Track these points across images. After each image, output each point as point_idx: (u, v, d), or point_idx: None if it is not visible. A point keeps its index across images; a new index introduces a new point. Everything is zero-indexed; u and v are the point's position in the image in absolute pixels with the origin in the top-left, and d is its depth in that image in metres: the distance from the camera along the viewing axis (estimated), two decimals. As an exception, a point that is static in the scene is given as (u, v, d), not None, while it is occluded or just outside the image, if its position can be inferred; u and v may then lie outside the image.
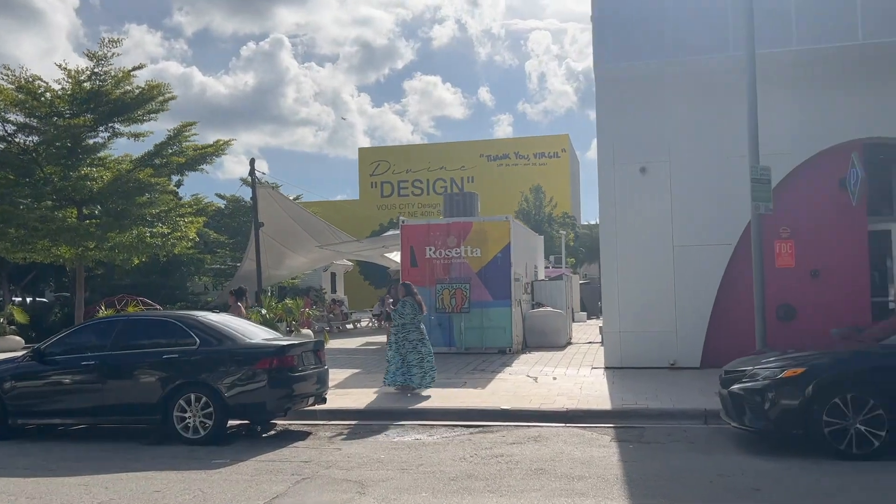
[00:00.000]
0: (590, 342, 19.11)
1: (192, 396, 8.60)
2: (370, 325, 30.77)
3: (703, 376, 12.04)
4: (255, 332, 9.53)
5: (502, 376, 12.76)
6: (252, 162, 24.40)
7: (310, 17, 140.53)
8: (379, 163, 64.82)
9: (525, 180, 55.21)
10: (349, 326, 30.05)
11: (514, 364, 14.47)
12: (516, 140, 65.83)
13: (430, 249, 16.97)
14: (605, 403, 10.02)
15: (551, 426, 9.15)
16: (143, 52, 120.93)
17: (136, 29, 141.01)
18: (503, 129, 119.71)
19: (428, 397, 10.87)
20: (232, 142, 19.71)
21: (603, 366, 13.55)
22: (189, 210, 19.82)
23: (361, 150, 67.56)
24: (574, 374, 12.80)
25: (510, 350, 16.37)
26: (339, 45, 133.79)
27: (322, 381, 9.63)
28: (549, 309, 18.46)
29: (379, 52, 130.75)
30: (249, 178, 24.71)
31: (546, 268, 28.09)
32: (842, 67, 12.68)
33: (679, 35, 13.12)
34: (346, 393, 11.51)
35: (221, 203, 37.71)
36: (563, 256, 36.66)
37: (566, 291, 19.95)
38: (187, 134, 18.65)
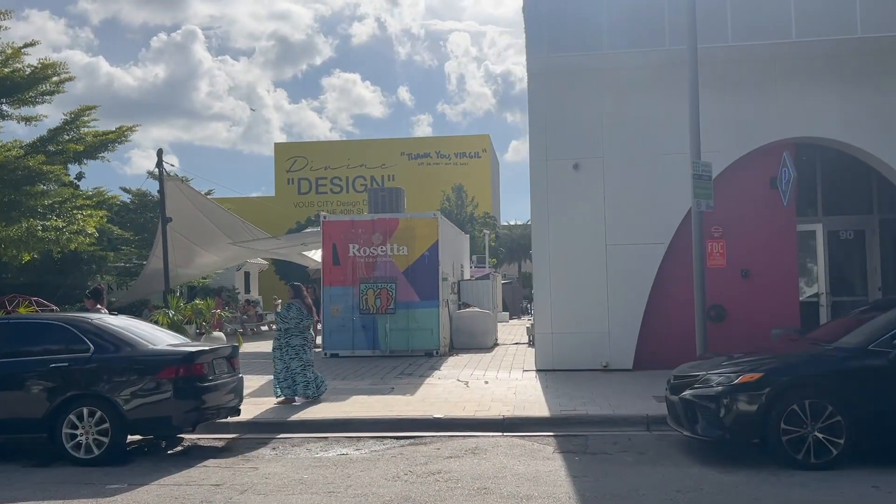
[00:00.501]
0: (516, 343, 18.69)
1: (85, 411, 7.51)
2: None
3: (637, 379, 11.74)
4: (160, 338, 8.47)
5: (431, 381, 12.07)
6: (160, 153, 22.77)
7: (225, 10, 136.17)
8: (296, 159, 63.07)
9: (446, 180, 54.84)
10: (264, 328, 28.67)
11: (442, 367, 13.81)
12: (438, 139, 65.41)
13: (354, 247, 16.11)
14: (542, 409, 9.48)
15: (489, 436, 8.52)
16: (45, 40, 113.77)
17: (38, 15, 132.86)
18: (423, 129, 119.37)
19: (339, 403, 10.06)
20: (136, 128, 18.19)
21: (535, 368, 13.07)
22: (87, 202, 18.10)
23: (278, 145, 65.59)
24: (506, 378, 12.25)
25: (437, 352, 15.71)
26: (255, 40, 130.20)
27: (236, 391, 8.67)
28: (476, 309, 17.92)
29: (296, 48, 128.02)
30: (157, 171, 23.10)
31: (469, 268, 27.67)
32: (775, 65, 12.64)
33: (614, 27, 12.78)
34: (262, 402, 10.55)
35: (126, 198, 35.48)
36: (487, 256, 36.37)
37: (492, 291, 19.46)
38: (86, 119, 17.01)
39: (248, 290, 44.27)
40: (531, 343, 17.75)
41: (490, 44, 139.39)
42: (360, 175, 61.06)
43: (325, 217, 16.42)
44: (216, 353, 8.34)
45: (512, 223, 64.92)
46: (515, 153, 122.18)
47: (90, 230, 16.85)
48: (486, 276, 21.57)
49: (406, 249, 15.96)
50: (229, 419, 8.78)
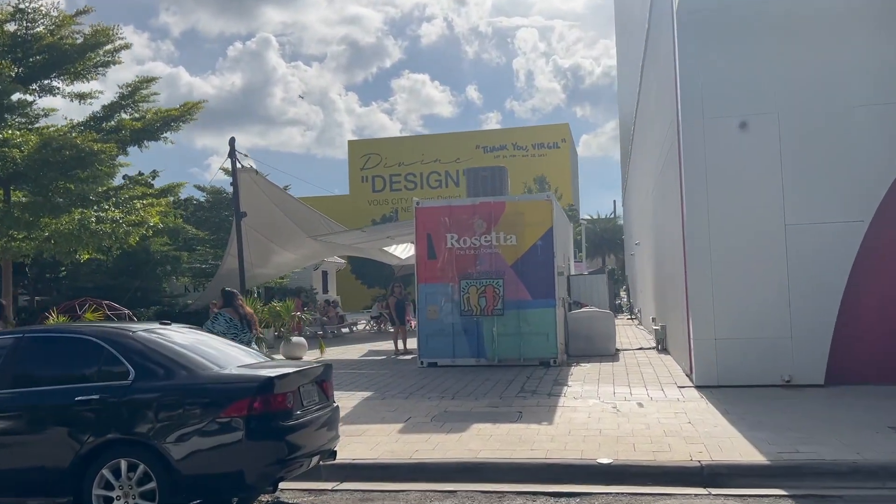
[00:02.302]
0: (640, 348, 15.89)
1: (123, 463, 5.28)
2: (368, 328, 27.44)
3: (842, 399, 8.90)
4: (230, 357, 6.18)
5: (567, 402, 9.50)
6: (232, 142, 20.94)
7: (297, 17, 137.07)
8: (370, 156, 61.54)
9: (524, 172, 52.08)
10: (345, 331, 26.70)
11: (570, 382, 11.21)
12: (514, 130, 62.67)
13: (453, 237, 13.68)
14: (748, 451, 6.77)
15: (689, 494, 5.92)
16: (131, 54, 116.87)
17: (124, 30, 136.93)
18: (492, 127, 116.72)
19: (458, 434, 7.60)
20: (202, 105, 16.17)
21: (693, 383, 10.33)
22: (148, 190, 16.11)
23: (351, 142, 64.11)
24: (662, 398, 9.56)
25: (555, 361, 13.12)
26: (327, 45, 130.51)
27: (331, 426, 6.32)
28: (594, 309, 15.24)
29: (366, 51, 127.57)
30: (230, 164, 21.31)
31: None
32: None
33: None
34: (360, 432, 8.22)
35: (201, 196, 34.24)
36: (583, 251, 33.49)
37: (608, 288, 16.72)
38: (146, 93, 15.13)
39: (326, 290, 42.68)
40: (661, 348, 14.97)
41: (559, 38, 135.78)
42: (435, 171, 58.97)
43: (418, 203, 14.05)
44: (304, 377, 6.00)
45: (594, 216, 61.45)
46: (586, 147, 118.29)
47: (152, 221, 14.96)
48: (601, 271, 18.79)
49: (514, 239, 13.42)
50: (322, 463, 6.45)
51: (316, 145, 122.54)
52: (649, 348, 15.82)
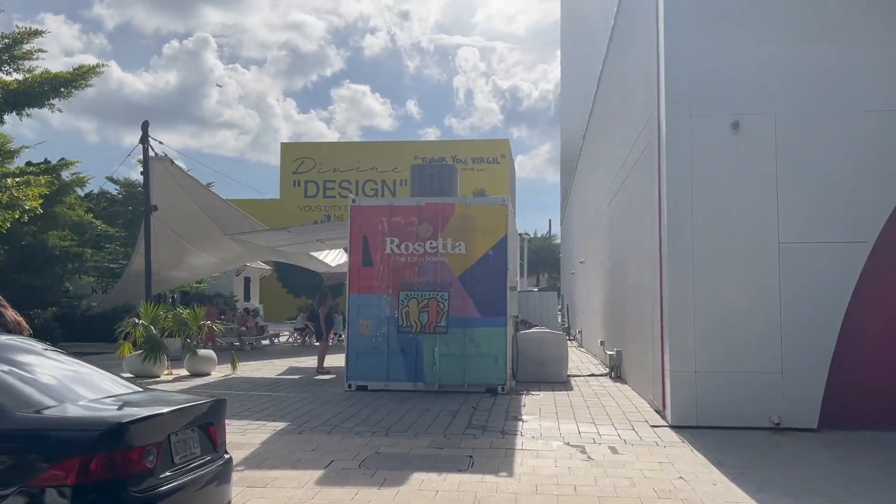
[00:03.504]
0: (592, 374, 14.42)
1: None
2: (292, 341, 25.28)
3: (850, 448, 7.57)
4: (75, 387, 4.24)
5: (526, 444, 7.83)
6: (145, 125, 18.64)
7: (238, 19, 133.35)
8: (303, 160, 59.18)
9: (464, 185, 50.21)
10: (266, 343, 24.48)
11: (524, 415, 9.57)
12: (454, 142, 61.57)
13: (393, 242, 11.92)
14: (771, 524, 5.25)
15: None
16: (58, 44, 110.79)
17: (53, 19, 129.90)
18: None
19: (395, 490, 5.83)
20: (100, 68, 13.84)
21: (668, 423, 8.84)
22: (28, 168, 13.59)
23: (284, 145, 61.61)
24: (637, 441, 8.01)
25: (504, 388, 11.48)
26: (267, 49, 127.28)
27: (221, 486, 4.46)
28: (545, 330, 13.70)
29: (308, 58, 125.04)
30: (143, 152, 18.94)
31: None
32: None
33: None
34: (266, 482, 6.32)
35: (113, 189, 31.36)
36: (525, 268, 32.17)
37: (558, 307, 15.23)
38: (29, 48, 12.79)
39: (248, 298, 40.10)
40: (614, 375, 13.56)
41: (499, 59, 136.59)
42: (371, 179, 57.08)
43: (354, 200, 12.23)
44: (179, 419, 4.13)
45: (531, 235, 60.66)
46: (522, 168, 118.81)
47: (29, 205, 12.60)
48: (552, 287, 17.31)
49: (464, 247, 11.77)
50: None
51: (250, 150, 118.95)
52: (601, 375, 14.38)
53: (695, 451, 7.46)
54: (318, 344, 15.25)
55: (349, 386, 11.81)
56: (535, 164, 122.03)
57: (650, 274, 10.23)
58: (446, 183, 12.43)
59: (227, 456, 4.68)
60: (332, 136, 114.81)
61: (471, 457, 7.20)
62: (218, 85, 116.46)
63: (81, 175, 25.68)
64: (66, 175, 24.60)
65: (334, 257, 22.64)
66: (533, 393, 11.68)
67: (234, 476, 5.13)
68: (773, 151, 8.80)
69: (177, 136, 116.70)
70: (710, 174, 8.92)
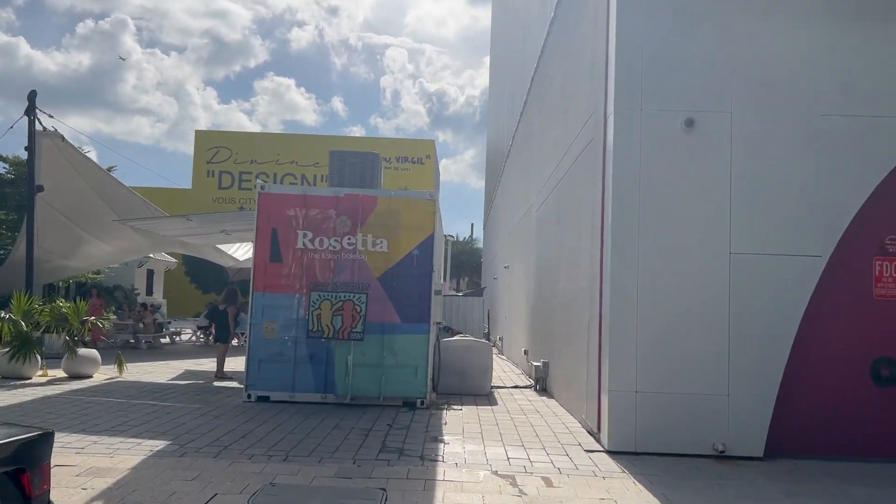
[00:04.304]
0: (516, 386, 13.55)
1: None
2: (194, 340, 23.46)
3: (801, 480, 6.87)
4: None
5: (448, 473, 6.76)
6: (32, 96, 16.66)
7: (158, 3, 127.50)
8: (218, 149, 56.52)
9: (388, 185, 49.14)
10: (164, 341, 22.59)
11: (445, 436, 8.52)
12: (380, 140, 59.98)
13: (306, 236, 10.67)
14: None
15: None
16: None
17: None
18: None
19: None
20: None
21: (604, 447, 7.98)
22: None
23: (198, 132, 58.40)
24: (572, 470, 7.08)
25: (423, 402, 10.42)
26: (188, 35, 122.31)
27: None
28: (470, 338, 12.72)
29: (231, 48, 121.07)
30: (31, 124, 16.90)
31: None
32: None
33: None
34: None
35: (1, 167, 28.52)
36: (447, 271, 31.16)
37: (485, 313, 14.32)
38: None
39: (150, 292, 37.56)
40: (539, 388, 12.74)
41: (427, 62, 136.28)
42: (291, 173, 54.89)
43: (262, 186, 10.90)
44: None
45: (454, 238, 59.98)
46: (445, 172, 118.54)
47: None
48: (476, 292, 16.37)
49: (385, 244, 10.64)
50: None
51: (166, 138, 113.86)
52: (525, 387, 13.53)
53: (638, 485, 6.58)
54: (218, 345, 13.77)
55: (248, 396, 10.48)
56: (459, 168, 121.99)
57: (587, 282, 9.39)
58: (369, 173, 11.25)
59: (47, 511, 3.40)
60: (253, 128, 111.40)
61: (384, 490, 6.08)
62: (122, 58, 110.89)
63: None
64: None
65: (244, 252, 21.07)
66: (455, 407, 10.66)
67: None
68: (727, 153, 8.09)
69: (88, 119, 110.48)
70: (661, 175, 8.13)
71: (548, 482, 6.59)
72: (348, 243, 10.60)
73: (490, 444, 8.11)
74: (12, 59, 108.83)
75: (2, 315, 11.89)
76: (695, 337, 7.96)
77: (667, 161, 8.14)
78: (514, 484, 6.47)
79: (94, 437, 7.62)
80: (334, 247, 10.63)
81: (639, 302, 8.01)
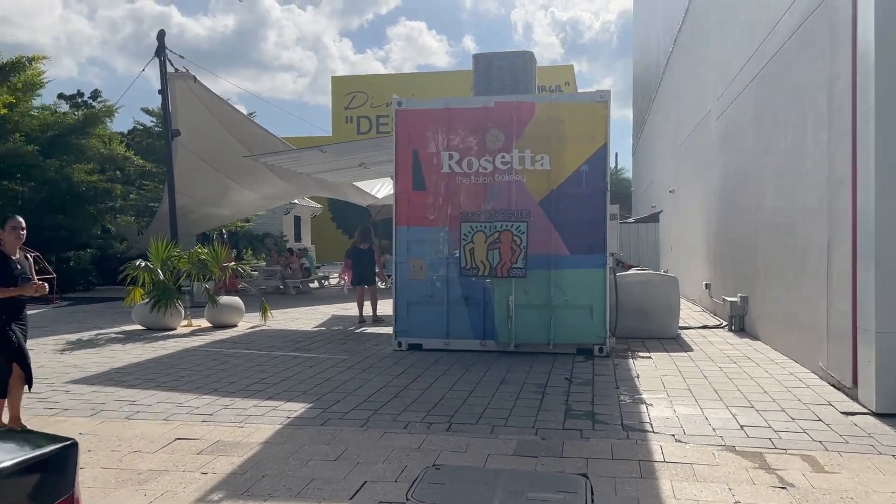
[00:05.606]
0: (704, 326, 11.44)
1: None
2: (342, 284, 22.90)
3: None
4: None
5: (668, 450, 4.98)
6: (161, 35, 16.05)
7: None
8: (355, 94, 56.41)
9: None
10: (313, 285, 22.17)
11: (642, 392, 6.73)
12: (514, 71, 57.18)
13: (451, 157, 9.03)
14: None
15: None
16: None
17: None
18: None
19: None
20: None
21: (873, 409, 5.87)
22: None
23: (335, 79, 58.50)
24: (840, 444, 5.06)
25: (602, 349, 8.65)
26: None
27: None
28: (649, 272, 10.72)
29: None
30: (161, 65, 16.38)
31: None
32: None
33: None
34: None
35: (148, 120, 29.13)
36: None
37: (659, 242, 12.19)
38: None
39: (298, 238, 38.00)
40: (735, 327, 10.59)
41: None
42: (427, 112, 53.81)
43: (399, 102, 9.33)
44: None
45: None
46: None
47: None
48: (653, 217, 14.20)
49: (547, 160, 8.79)
50: None
51: (308, 92, 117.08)
52: (714, 326, 11.40)
53: (960, 471, 4.50)
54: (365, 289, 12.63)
55: (399, 344, 9.18)
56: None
57: (818, 194, 7.12)
58: (521, 76, 9.35)
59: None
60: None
61: (585, 476, 4.43)
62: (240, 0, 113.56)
63: (109, 103, 23.40)
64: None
65: (385, 189, 19.96)
66: (641, 354, 8.81)
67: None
68: None
69: (237, 79, 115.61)
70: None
71: (813, 464, 4.66)
72: (502, 162, 8.85)
73: (707, 405, 6.23)
74: (166, 28, 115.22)
75: (139, 263, 11.30)
76: None
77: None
78: (765, 467, 4.60)
79: (226, 400, 6.52)
80: (486, 167, 8.93)
81: (920, 210, 5.71)
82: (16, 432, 2.70)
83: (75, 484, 2.13)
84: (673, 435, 5.31)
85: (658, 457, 4.82)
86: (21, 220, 5.67)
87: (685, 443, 5.13)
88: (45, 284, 5.71)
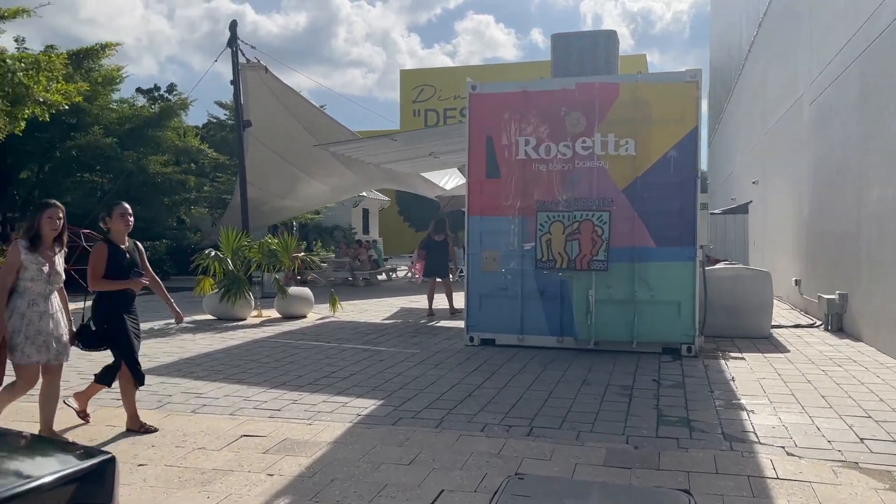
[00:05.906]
0: (797, 325, 10.63)
1: None
2: (409, 277, 22.71)
3: None
4: None
5: (779, 464, 4.43)
6: (233, 26, 16.09)
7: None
8: (423, 87, 56.35)
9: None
10: (381, 277, 22.05)
11: (741, 398, 6.13)
12: (585, 61, 55.97)
13: (527, 143, 8.57)
14: None
15: None
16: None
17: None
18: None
19: None
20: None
21: None
22: (51, 58, 10.69)
23: (403, 72, 58.54)
24: None
25: (690, 349, 8.05)
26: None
27: None
28: (739, 266, 10.00)
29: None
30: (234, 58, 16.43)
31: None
32: None
33: None
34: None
35: (222, 113, 29.60)
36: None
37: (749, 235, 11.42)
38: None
39: (366, 231, 38.11)
40: (832, 327, 9.78)
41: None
42: (495, 104, 53.22)
43: (473, 86, 8.92)
44: None
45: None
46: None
47: (42, 97, 9.87)
48: (742, 208, 13.39)
49: (632, 145, 8.23)
50: None
51: (377, 88, 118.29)
52: (808, 326, 10.58)
53: None
54: (440, 281, 12.28)
55: (471, 339, 8.80)
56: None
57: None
58: (602, 56, 8.79)
59: None
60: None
61: (689, 494, 3.93)
62: None
63: (184, 97, 23.81)
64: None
65: (453, 181, 19.61)
66: (732, 355, 8.17)
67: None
68: None
69: (310, 75, 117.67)
70: None
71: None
72: (583, 147, 8.33)
73: (816, 413, 5.60)
74: (241, 26, 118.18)
75: (210, 253, 11.26)
76: None
77: None
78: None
79: (294, 395, 6.26)
80: (565, 153, 8.42)
81: None
82: (55, 445, 2.45)
83: (113, 499, 1.84)
84: (783, 447, 4.74)
85: (769, 472, 4.27)
86: (128, 206, 5.24)
87: (798, 457, 4.56)
88: (146, 278, 5.37)
